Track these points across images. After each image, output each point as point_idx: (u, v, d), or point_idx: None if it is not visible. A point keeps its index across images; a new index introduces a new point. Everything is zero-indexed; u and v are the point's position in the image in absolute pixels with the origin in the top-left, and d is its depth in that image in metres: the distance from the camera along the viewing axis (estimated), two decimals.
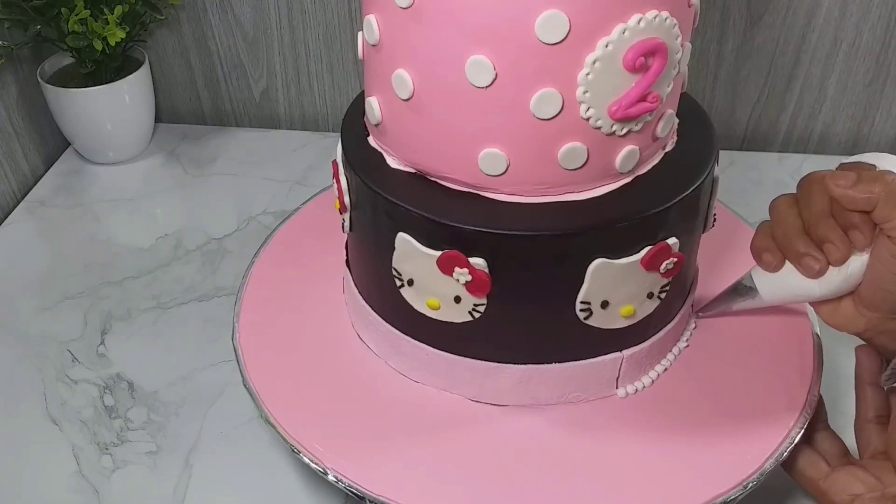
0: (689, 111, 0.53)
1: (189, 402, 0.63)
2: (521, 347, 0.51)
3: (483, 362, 0.52)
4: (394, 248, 0.49)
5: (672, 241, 0.48)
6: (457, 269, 0.47)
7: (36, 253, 0.79)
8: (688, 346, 0.58)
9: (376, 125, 0.51)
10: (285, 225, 0.69)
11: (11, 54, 0.81)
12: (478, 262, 0.47)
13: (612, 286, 0.48)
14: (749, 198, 0.80)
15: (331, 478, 0.50)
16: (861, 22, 0.83)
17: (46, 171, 0.89)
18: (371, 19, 0.47)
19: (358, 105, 0.54)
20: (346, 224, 0.55)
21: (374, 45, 0.48)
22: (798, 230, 0.46)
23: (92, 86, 0.82)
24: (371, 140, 0.52)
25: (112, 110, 0.85)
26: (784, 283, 0.49)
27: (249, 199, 0.84)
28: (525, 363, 0.52)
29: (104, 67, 0.84)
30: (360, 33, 0.50)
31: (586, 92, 0.43)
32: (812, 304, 0.50)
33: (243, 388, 0.55)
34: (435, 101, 0.46)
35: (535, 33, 0.41)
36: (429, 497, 0.49)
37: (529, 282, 0.48)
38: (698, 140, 0.53)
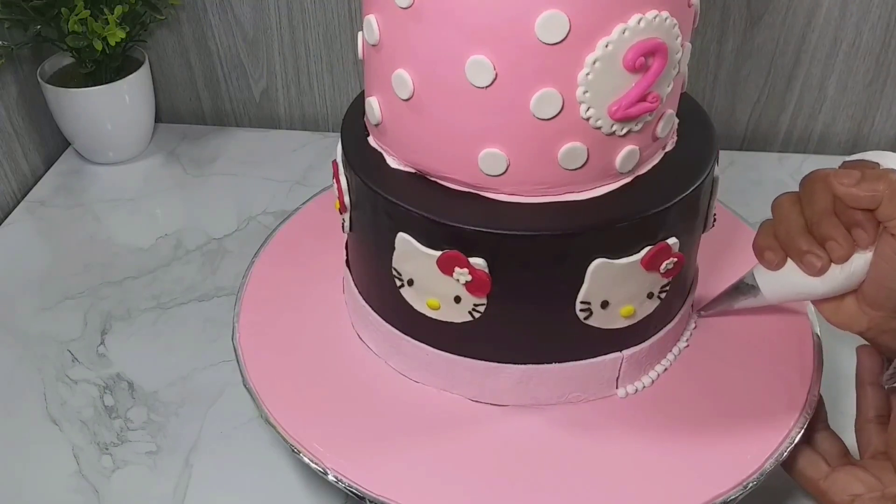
0: (689, 111, 0.53)
1: (189, 402, 0.63)
2: (521, 347, 0.51)
3: (483, 362, 0.52)
4: (394, 248, 0.49)
5: (672, 241, 0.48)
6: (457, 269, 0.47)
7: (36, 253, 0.79)
8: (688, 346, 0.58)
9: (376, 125, 0.51)
10: (285, 225, 0.69)
11: (11, 54, 0.81)
12: (478, 262, 0.47)
13: (612, 286, 0.48)
14: (749, 198, 0.81)
15: (331, 478, 0.50)
16: (861, 22, 0.83)
17: (46, 171, 0.89)
18: (371, 19, 0.47)
19: (358, 105, 0.54)
20: (346, 224, 0.55)
21: (374, 45, 0.48)
22: (800, 228, 0.46)
23: (92, 86, 0.82)
24: (371, 140, 0.52)
25: (112, 110, 0.85)
26: (786, 282, 0.49)
27: (249, 199, 0.84)
28: (525, 363, 0.52)
29: (104, 67, 0.84)
30: (360, 33, 0.50)
31: (586, 92, 0.43)
32: (814, 302, 0.50)
33: (243, 388, 0.55)
34: (435, 101, 0.46)
35: (535, 33, 0.41)
36: (429, 497, 0.49)
37: (529, 282, 0.48)
38: (698, 140, 0.53)
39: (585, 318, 0.49)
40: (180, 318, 0.70)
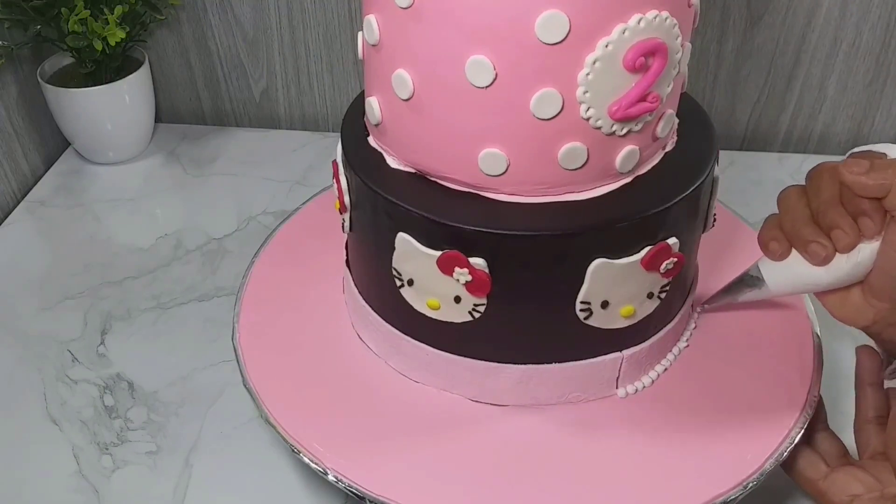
0: (689, 111, 0.53)
1: (189, 402, 0.63)
2: (521, 347, 0.51)
3: (483, 362, 0.52)
4: (394, 248, 0.49)
5: (672, 241, 0.48)
6: (457, 269, 0.47)
7: (36, 253, 0.79)
8: (688, 346, 0.58)
9: (376, 125, 0.51)
10: (285, 225, 0.69)
11: (11, 54, 0.81)
12: (478, 262, 0.47)
13: (612, 286, 0.48)
14: (749, 198, 0.80)
15: (331, 478, 0.50)
16: (861, 22, 0.83)
17: (46, 171, 0.89)
18: (371, 19, 0.47)
19: (358, 105, 0.54)
20: (346, 224, 0.55)
21: (374, 45, 0.48)
22: (805, 218, 0.46)
23: (92, 86, 0.82)
24: (371, 140, 0.52)
25: (112, 110, 0.85)
26: (791, 273, 0.48)
27: (249, 199, 0.84)
28: (525, 363, 0.52)
29: (104, 67, 0.84)
30: (360, 33, 0.50)
31: (586, 92, 0.43)
32: (820, 296, 0.49)
33: (243, 388, 0.55)
34: (435, 101, 0.46)
35: (535, 33, 0.41)
36: (429, 497, 0.49)
37: (529, 282, 0.48)
38: (698, 140, 0.53)
39: (585, 318, 0.49)
40: (180, 318, 0.70)
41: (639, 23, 0.42)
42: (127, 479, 0.58)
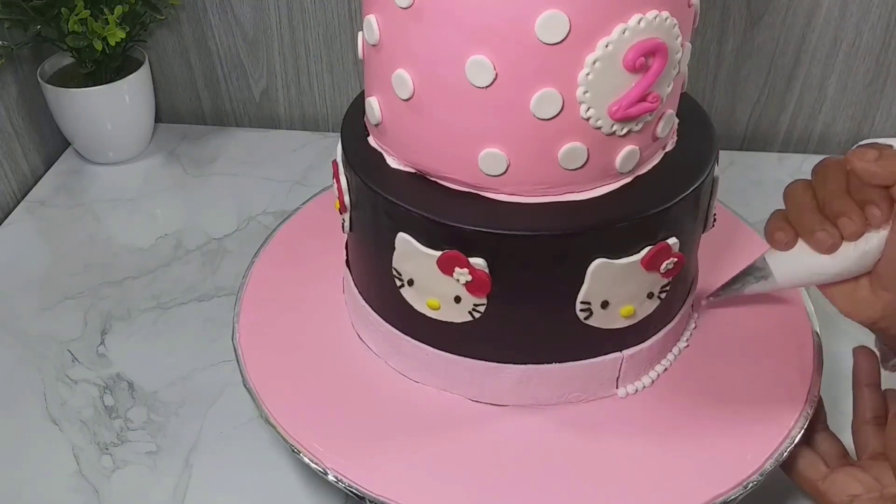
0: (689, 111, 0.53)
1: (189, 402, 0.63)
2: (521, 347, 0.51)
3: (483, 362, 0.52)
4: (394, 248, 0.49)
5: (672, 241, 0.48)
6: (457, 269, 0.47)
7: (36, 253, 0.79)
8: (688, 346, 0.58)
9: (376, 125, 0.51)
10: (285, 225, 0.69)
11: (11, 54, 0.81)
12: (478, 262, 0.47)
13: (613, 286, 0.48)
14: (749, 198, 0.80)
15: (331, 478, 0.50)
16: (861, 22, 0.83)
17: (46, 171, 0.89)
18: (371, 19, 0.47)
19: (358, 105, 0.54)
20: (346, 224, 0.55)
21: (374, 45, 0.48)
22: (812, 208, 0.45)
23: (92, 86, 0.82)
24: (371, 140, 0.52)
25: (112, 110, 0.85)
26: (798, 263, 0.47)
27: (249, 199, 0.84)
28: (525, 363, 0.52)
29: (104, 67, 0.84)
30: (360, 33, 0.50)
31: (586, 92, 0.43)
32: (827, 292, 0.48)
33: (243, 388, 0.55)
34: (435, 101, 0.46)
35: (535, 33, 0.41)
36: (429, 497, 0.49)
37: (529, 282, 0.48)
38: (698, 140, 0.53)
39: (585, 318, 0.49)
40: (180, 318, 0.70)
41: (639, 23, 0.42)
42: (127, 479, 0.58)
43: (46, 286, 0.74)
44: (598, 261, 0.47)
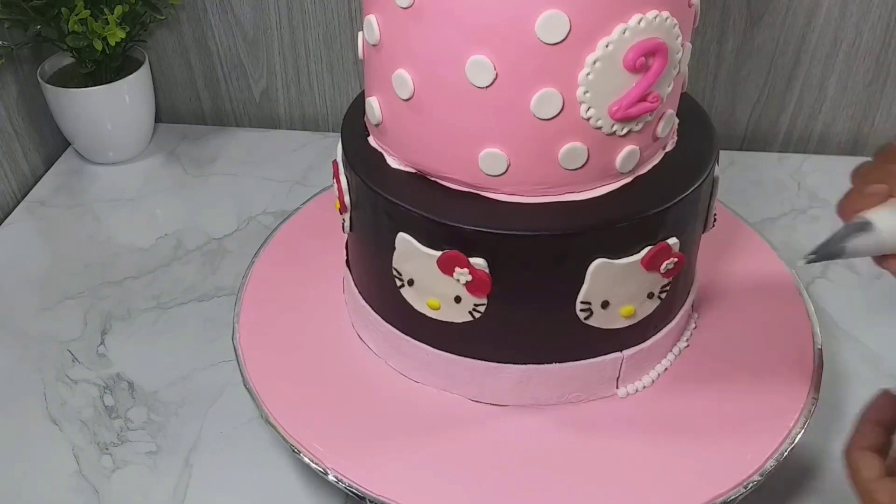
0: (689, 111, 0.53)
1: (189, 402, 0.63)
2: (521, 347, 0.51)
3: (483, 362, 0.52)
4: (394, 248, 0.49)
5: (672, 241, 0.48)
6: (457, 269, 0.47)
7: (36, 253, 0.78)
8: (688, 346, 0.58)
9: (376, 125, 0.51)
10: (285, 225, 0.69)
11: (11, 54, 0.81)
12: (478, 262, 0.47)
13: (613, 286, 0.48)
14: (749, 198, 0.80)
15: (331, 478, 0.50)
16: (861, 22, 0.83)
17: (46, 171, 0.89)
18: (371, 19, 0.47)
19: (358, 105, 0.54)
20: (346, 224, 0.55)
21: (374, 45, 0.48)
22: None
23: (92, 86, 0.82)
24: (371, 140, 0.52)
25: (112, 110, 0.85)
26: None
27: (249, 199, 0.84)
28: (525, 363, 0.52)
29: (104, 67, 0.84)
30: (360, 33, 0.50)
31: (587, 92, 0.43)
32: None
33: (243, 388, 0.55)
34: (435, 101, 0.46)
35: (535, 33, 0.41)
36: (429, 497, 0.49)
37: (530, 282, 0.48)
38: (698, 140, 0.53)
39: (586, 318, 0.49)
40: (180, 318, 0.70)
41: (639, 23, 0.42)
42: (127, 479, 0.58)
43: (46, 286, 0.74)
44: (598, 261, 0.47)
